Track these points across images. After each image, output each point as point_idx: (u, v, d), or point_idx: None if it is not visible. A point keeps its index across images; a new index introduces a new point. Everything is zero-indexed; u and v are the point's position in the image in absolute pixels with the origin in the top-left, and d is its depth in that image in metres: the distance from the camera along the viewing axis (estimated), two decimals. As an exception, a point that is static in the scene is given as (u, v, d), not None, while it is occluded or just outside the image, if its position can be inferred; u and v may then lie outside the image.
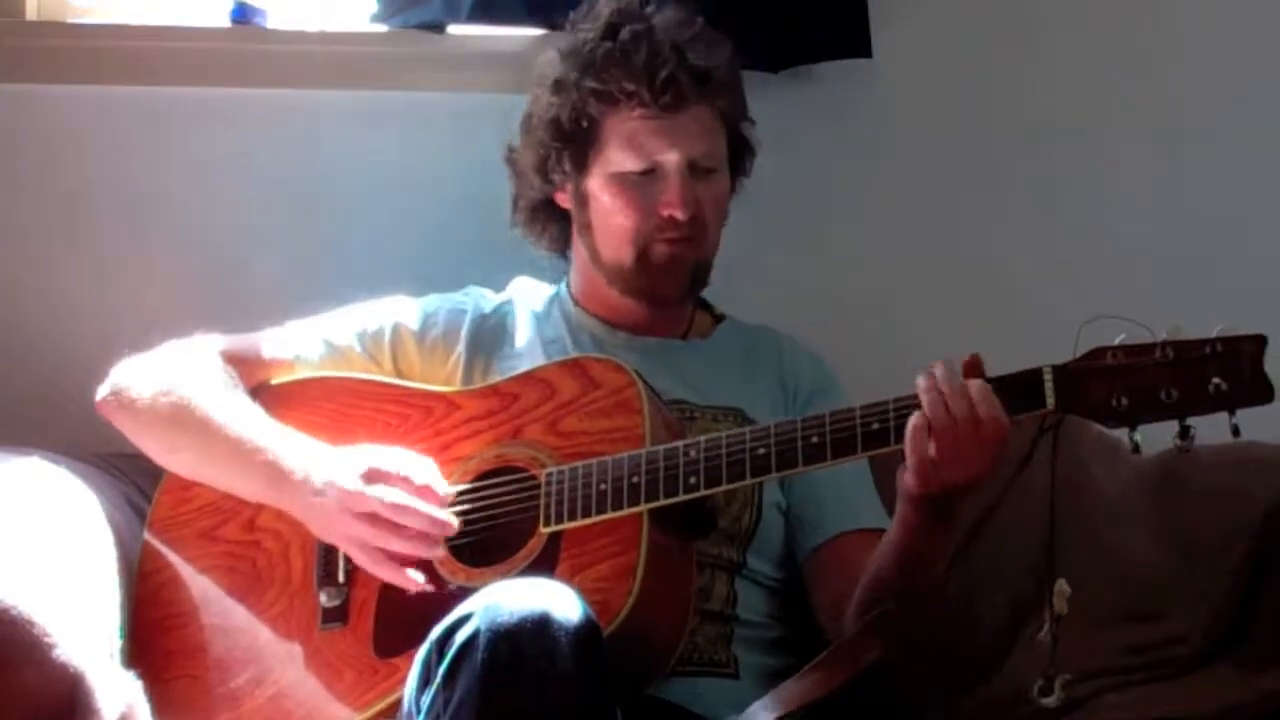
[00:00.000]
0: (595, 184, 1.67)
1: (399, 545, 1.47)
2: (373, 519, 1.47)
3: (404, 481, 1.49)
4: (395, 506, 1.47)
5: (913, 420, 1.35)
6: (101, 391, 1.63)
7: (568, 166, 1.68)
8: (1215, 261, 2.09)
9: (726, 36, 1.71)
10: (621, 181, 1.65)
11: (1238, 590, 1.75)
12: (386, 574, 1.48)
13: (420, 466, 1.52)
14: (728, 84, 1.68)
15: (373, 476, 1.49)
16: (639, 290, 1.68)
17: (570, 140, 1.67)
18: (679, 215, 1.62)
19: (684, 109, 1.63)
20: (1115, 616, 1.72)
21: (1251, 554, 1.75)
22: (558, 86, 1.68)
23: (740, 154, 1.75)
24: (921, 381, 1.36)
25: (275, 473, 1.53)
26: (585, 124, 1.66)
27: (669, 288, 1.67)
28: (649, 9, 1.68)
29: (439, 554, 1.48)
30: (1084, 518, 1.74)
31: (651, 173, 1.64)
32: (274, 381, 1.67)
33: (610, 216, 1.66)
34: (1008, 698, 1.71)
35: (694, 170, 1.64)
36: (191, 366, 1.63)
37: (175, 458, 1.62)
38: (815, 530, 1.63)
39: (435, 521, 1.47)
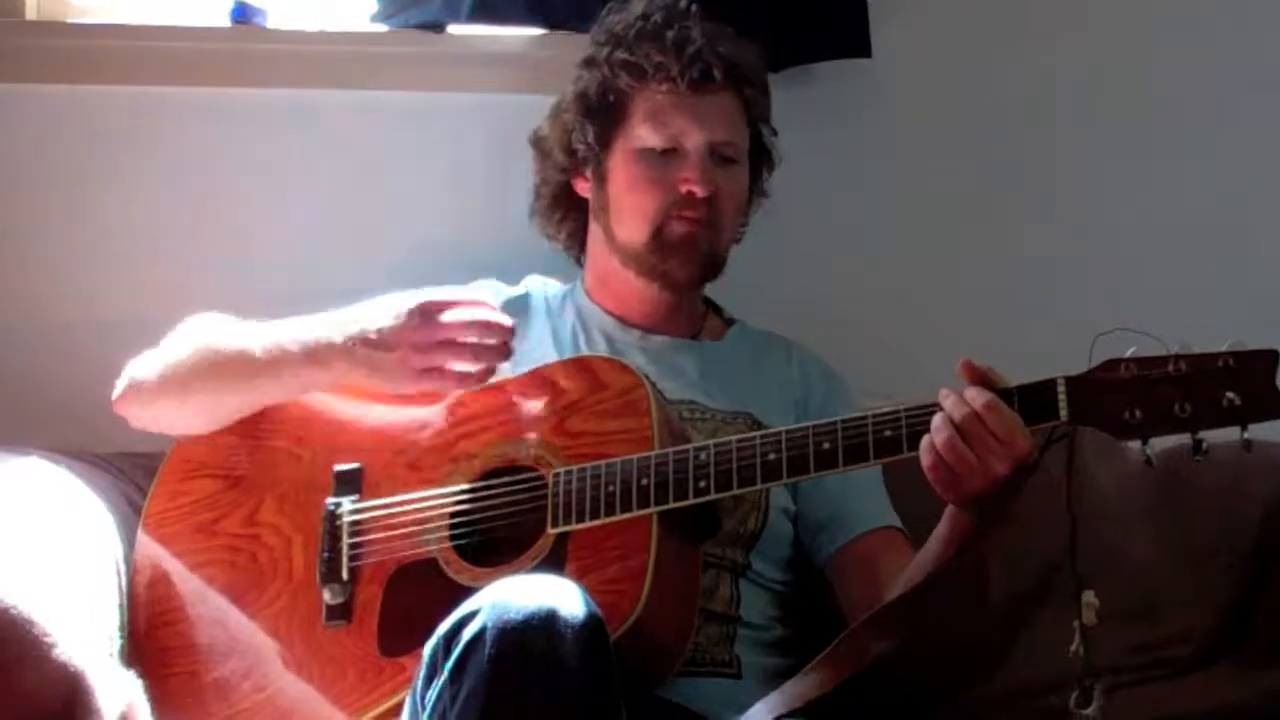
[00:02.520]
0: (617, 160, 1.68)
1: (472, 364, 1.52)
2: (450, 346, 1.51)
3: (460, 306, 1.53)
4: (473, 324, 1.52)
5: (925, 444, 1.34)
6: (118, 389, 1.63)
7: (592, 138, 1.69)
8: (1218, 259, 2.09)
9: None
10: (643, 158, 1.66)
11: (1238, 589, 1.75)
12: (473, 384, 1.53)
13: (459, 291, 1.57)
14: (756, 81, 1.71)
15: (429, 310, 1.52)
16: (652, 270, 1.68)
17: (596, 114, 1.69)
18: (698, 191, 1.64)
19: (710, 91, 1.65)
20: (1116, 616, 1.70)
21: (1252, 553, 1.75)
22: (589, 62, 1.71)
23: (759, 160, 1.76)
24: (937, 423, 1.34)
25: (316, 351, 1.54)
26: (612, 97, 1.68)
27: (681, 268, 1.67)
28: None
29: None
30: (1084, 516, 1.73)
31: (673, 152, 1.65)
32: None
33: (629, 193, 1.67)
34: (1006, 698, 1.71)
35: (714, 156, 1.66)
36: (196, 331, 1.64)
37: (209, 407, 1.61)
38: (834, 533, 1.63)
39: (503, 329, 1.53)
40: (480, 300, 1.56)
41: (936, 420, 1.34)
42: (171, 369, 1.60)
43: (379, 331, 1.53)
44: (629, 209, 1.67)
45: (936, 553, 1.45)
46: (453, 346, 1.52)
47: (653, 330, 1.72)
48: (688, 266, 1.67)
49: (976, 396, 1.33)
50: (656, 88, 1.65)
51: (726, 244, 1.70)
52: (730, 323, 1.80)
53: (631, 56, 1.66)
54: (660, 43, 1.65)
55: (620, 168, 1.68)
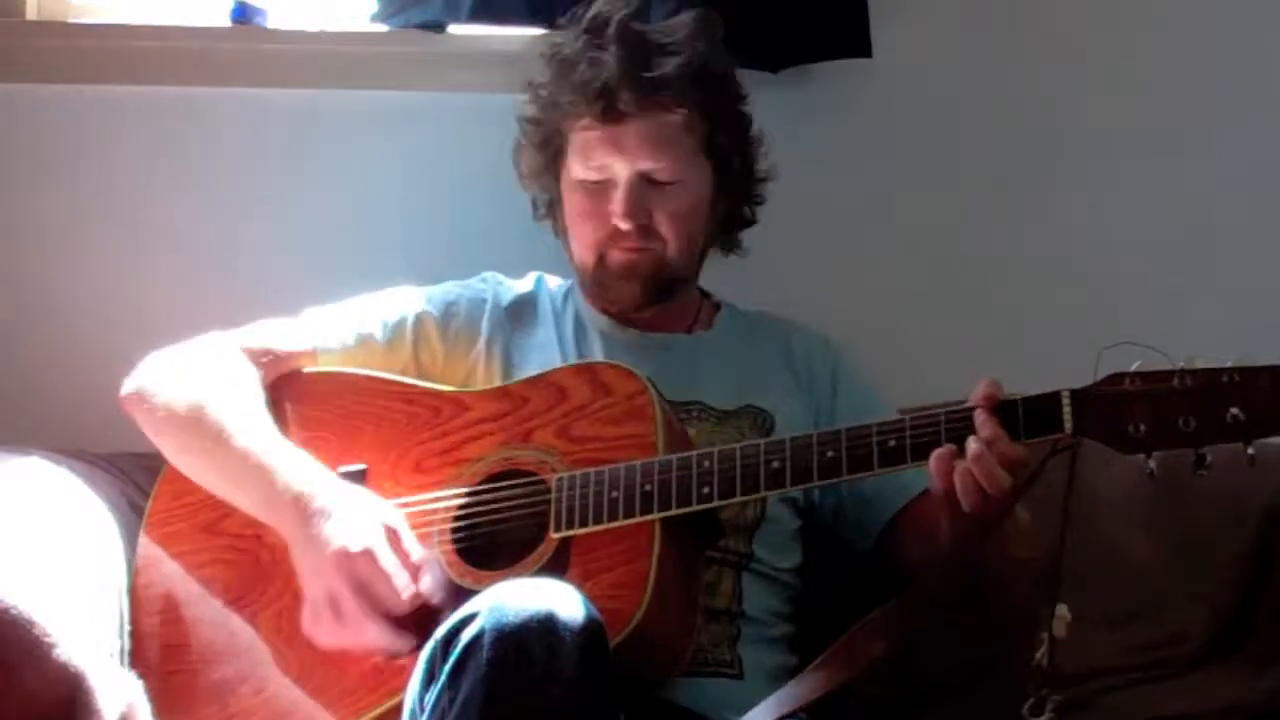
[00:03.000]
0: (564, 187, 1.70)
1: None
2: (360, 589, 1.40)
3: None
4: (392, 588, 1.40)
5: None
6: (126, 386, 1.62)
7: (540, 169, 1.71)
8: (1218, 259, 2.10)
9: (719, 40, 1.70)
10: (581, 189, 1.67)
11: (1238, 589, 1.75)
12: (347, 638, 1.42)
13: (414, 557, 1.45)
14: (692, 92, 1.65)
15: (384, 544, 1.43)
16: (599, 295, 1.70)
17: (542, 146, 1.71)
18: (621, 225, 1.63)
19: (630, 118, 1.63)
20: (1116, 616, 1.73)
21: (1252, 552, 1.75)
22: (530, 90, 1.72)
23: (725, 157, 1.71)
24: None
25: (274, 496, 1.50)
26: (547, 130, 1.69)
27: (624, 294, 1.68)
28: (624, 14, 1.67)
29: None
30: (1085, 517, 1.74)
31: (608, 181, 1.65)
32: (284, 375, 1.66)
33: (573, 223, 1.69)
34: (1005, 701, 1.70)
35: (648, 181, 1.64)
36: (213, 368, 1.62)
37: (184, 459, 1.61)
38: (890, 500, 1.63)
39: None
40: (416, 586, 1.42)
41: (960, 471, 1.34)
42: (165, 406, 1.59)
43: (325, 539, 1.43)
44: (576, 237, 1.69)
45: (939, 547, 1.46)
46: (374, 609, 1.40)
47: (648, 328, 1.72)
48: (629, 293, 1.67)
49: (993, 444, 1.33)
50: (579, 123, 1.65)
51: (679, 260, 1.68)
52: (718, 306, 1.80)
53: (549, 94, 1.67)
54: (570, 79, 1.64)
55: (566, 196, 1.69)
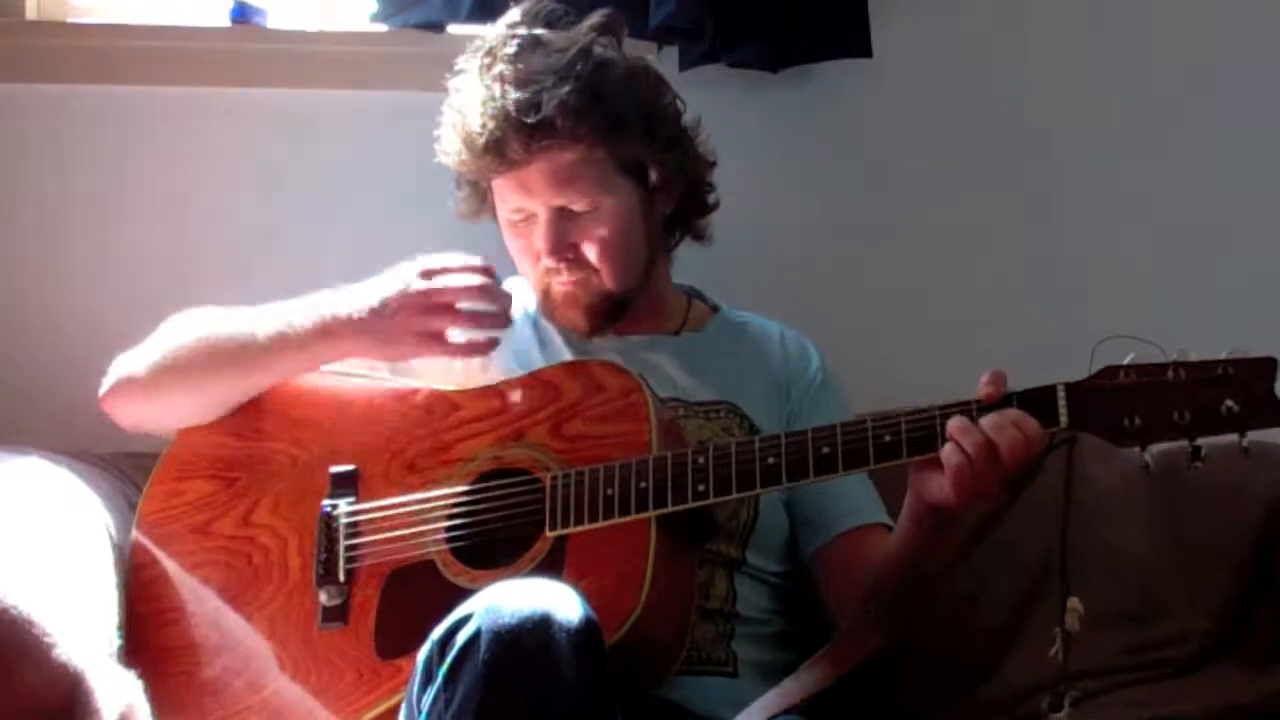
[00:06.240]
0: (500, 225, 1.69)
1: (471, 330, 1.53)
2: (447, 309, 1.53)
3: (456, 271, 1.54)
4: (470, 289, 1.54)
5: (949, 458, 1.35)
6: (104, 386, 1.63)
7: (476, 209, 1.72)
8: (1218, 259, 2.10)
9: (619, 44, 1.67)
10: (511, 227, 1.67)
11: (1238, 589, 1.75)
12: (470, 352, 1.55)
13: (461, 258, 1.57)
14: (580, 126, 1.59)
15: (427, 273, 1.54)
16: (552, 322, 1.69)
17: (472, 191, 1.71)
18: (547, 262, 1.63)
19: (526, 164, 1.60)
20: (1115, 616, 1.73)
21: (1251, 552, 1.75)
22: (437, 141, 1.69)
23: (644, 167, 1.66)
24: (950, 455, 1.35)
25: (323, 323, 1.55)
26: (470, 179, 1.69)
27: (570, 323, 1.68)
28: (507, 50, 1.63)
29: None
30: (1083, 516, 1.74)
31: (532, 217, 1.64)
32: None
33: (514, 258, 1.68)
34: (1004, 701, 1.71)
35: (568, 212, 1.62)
36: (186, 324, 1.64)
37: (209, 394, 1.61)
38: (820, 530, 1.63)
39: (502, 296, 1.55)
40: (478, 263, 1.57)
41: (970, 439, 1.33)
42: (169, 359, 1.60)
43: (382, 299, 1.55)
44: (521, 271, 1.70)
45: (907, 551, 1.47)
46: (451, 312, 1.53)
47: (629, 331, 1.71)
48: (576, 320, 1.67)
49: (1020, 419, 1.33)
50: (484, 172, 1.64)
51: (620, 283, 1.65)
52: (715, 309, 1.79)
53: (448, 145, 1.65)
54: (460, 131, 1.62)
55: (503, 233, 1.69)
